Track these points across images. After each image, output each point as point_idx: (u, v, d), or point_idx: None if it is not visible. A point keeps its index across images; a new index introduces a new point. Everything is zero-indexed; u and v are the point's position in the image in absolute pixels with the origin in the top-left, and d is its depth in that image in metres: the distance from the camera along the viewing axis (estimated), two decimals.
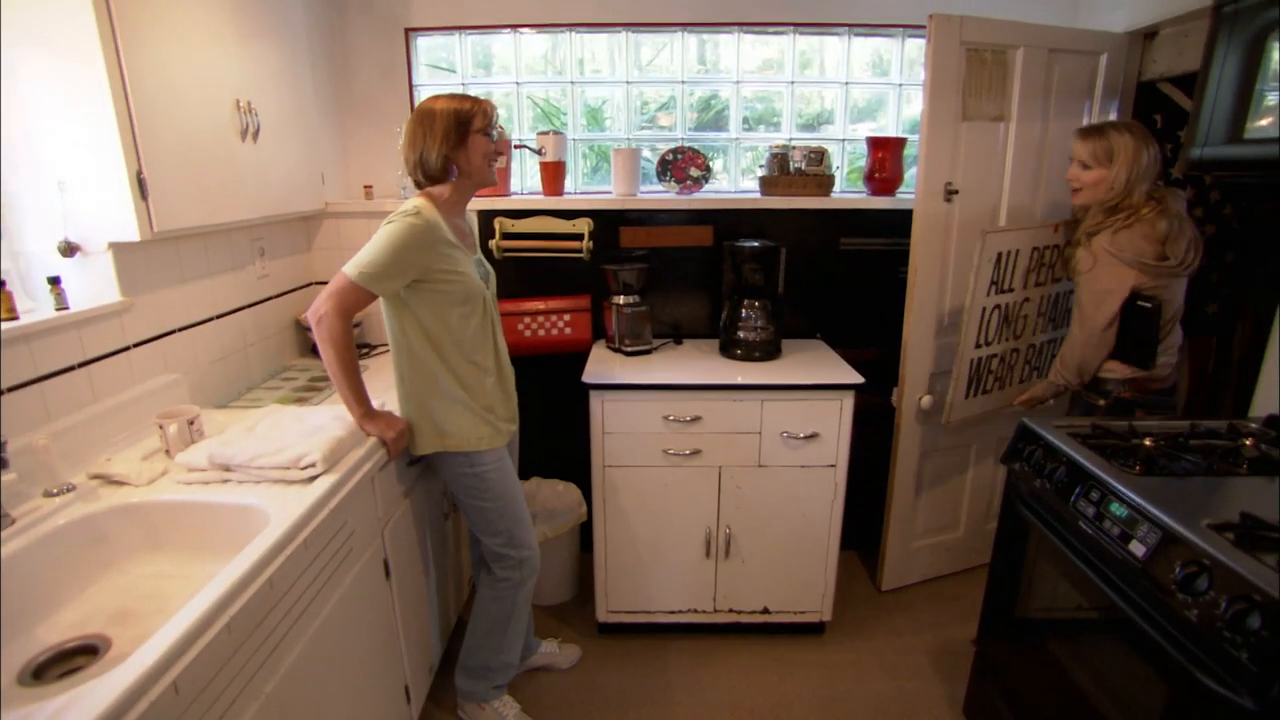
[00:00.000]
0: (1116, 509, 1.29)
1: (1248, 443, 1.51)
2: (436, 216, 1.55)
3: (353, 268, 1.48)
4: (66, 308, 1.46)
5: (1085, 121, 2.22)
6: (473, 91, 2.56)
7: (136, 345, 1.62)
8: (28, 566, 1.17)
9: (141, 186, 1.44)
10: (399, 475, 1.71)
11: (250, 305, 2.07)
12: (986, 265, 1.95)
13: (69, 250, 1.48)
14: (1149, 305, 1.74)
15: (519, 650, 1.88)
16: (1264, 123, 1.27)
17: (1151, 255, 1.73)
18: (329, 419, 1.54)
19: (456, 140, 1.54)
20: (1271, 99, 1.26)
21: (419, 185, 1.60)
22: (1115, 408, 1.85)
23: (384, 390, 1.85)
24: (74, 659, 1.11)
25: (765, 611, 2.21)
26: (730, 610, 2.21)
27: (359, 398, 1.55)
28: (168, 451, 1.48)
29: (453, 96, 1.57)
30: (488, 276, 1.72)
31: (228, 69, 1.72)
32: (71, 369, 1.45)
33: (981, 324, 2.03)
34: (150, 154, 1.45)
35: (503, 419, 1.74)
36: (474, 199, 2.35)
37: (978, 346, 2.06)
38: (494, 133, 1.60)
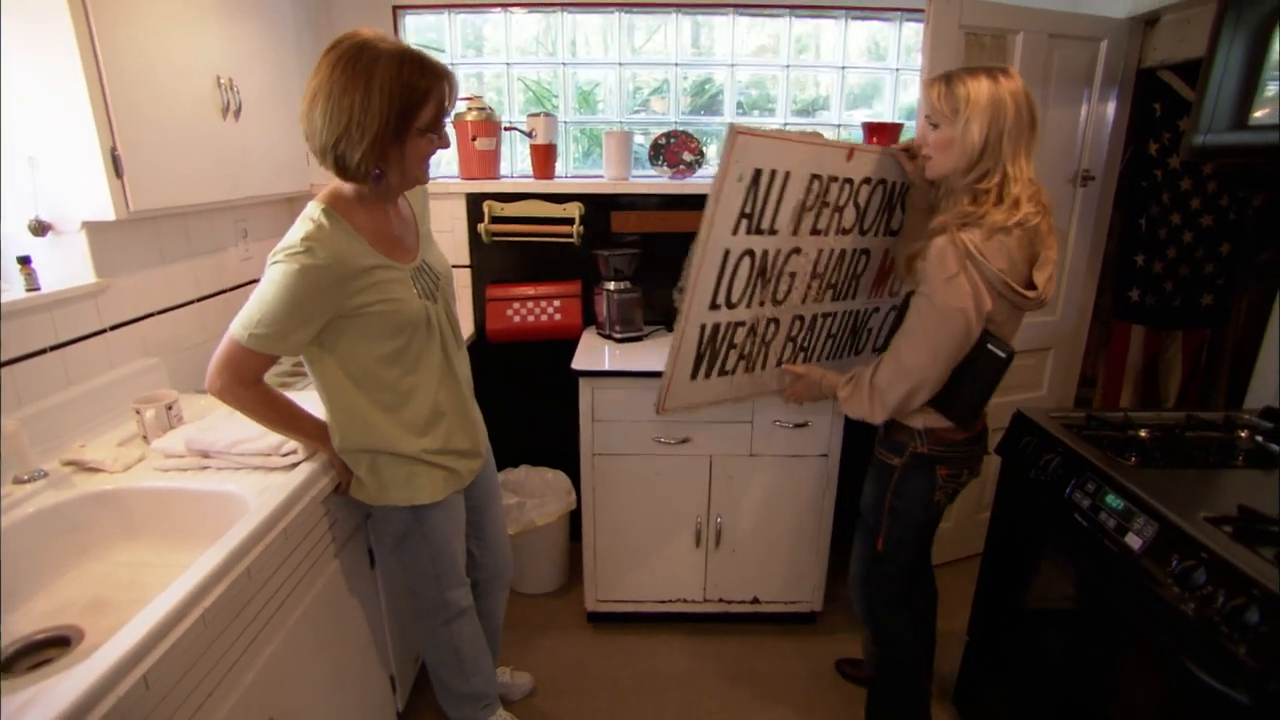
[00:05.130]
0: (1112, 501, 1.28)
1: (1243, 435, 1.50)
2: (343, 235, 1.19)
3: (241, 328, 1.17)
4: (38, 289, 1.41)
5: (1084, 111, 2.19)
6: (462, 72, 2.50)
7: (113, 328, 1.58)
8: None
9: (116, 164, 1.39)
10: None
11: (234, 288, 2.02)
12: (737, 186, 1.33)
13: (40, 229, 1.43)
14: (1003, 354, 1.33)
15: (488, 669, 1.64)
16: (1268, 110, 1.25)
17: (1019, 279, 1.32)
18: (313, 405, 1.50)
19: (392, 137, 1.15)
20: (1271, 89, 1.24)
21: (333, 171, 1.20)
22: (912, 465, 1.48)
23: None
24: (45, 650, 1.07)
25: (755, 601, 2.20)
26: (720, 600, 2.20)
27: (314, 436, 1.34)
28: (145, 437, 1.44)
29: (400, 60, 1.12)
30: (437, 285, 1.36)
31: (208, 45, 1.66)
32: (43, 352, 1.40)
33: (722, 274, 1.42)
34: (125, 130, 1.39)
35: (463, 456, 1.45)
36: (462, 182, 2.33)
37: (714, 306, 1.46)
38: (444, 127, 1.23)
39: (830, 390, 1.56)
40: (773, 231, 1.45)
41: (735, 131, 1.27)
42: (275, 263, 1.15)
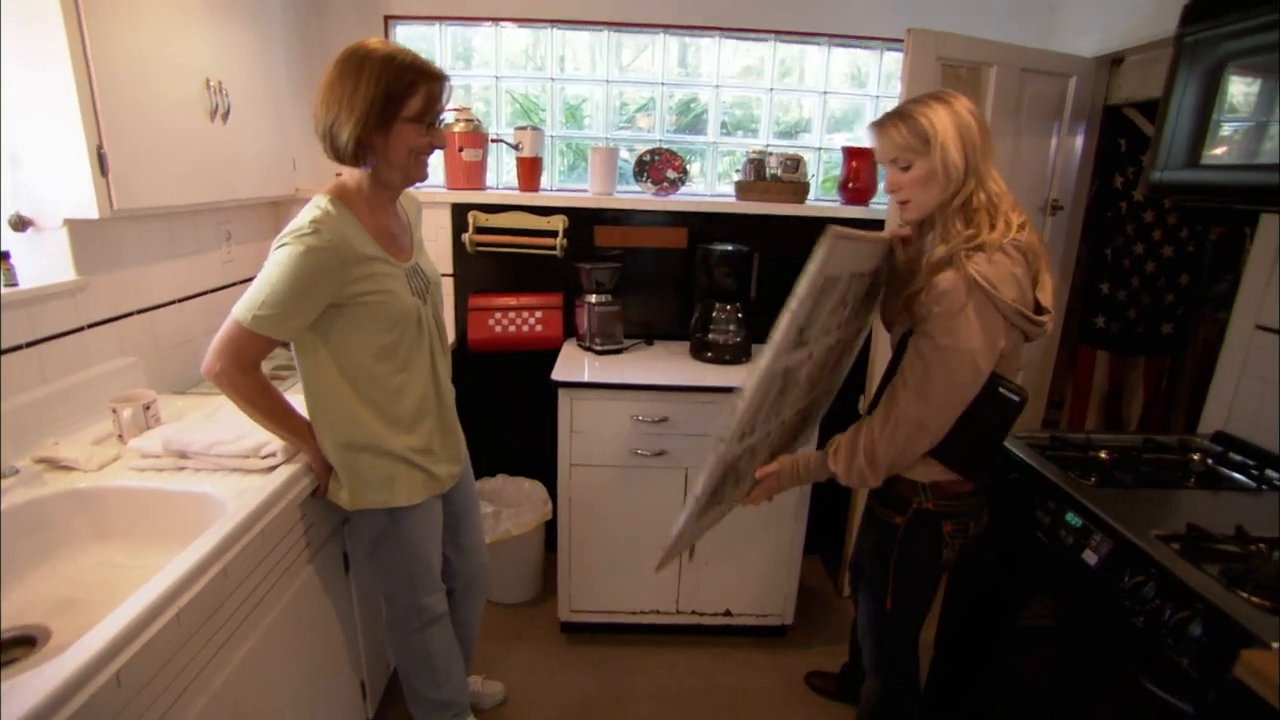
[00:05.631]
0: (1071, 519, 1.33)
1: (1195, 457, 1.56)
2: (347, 223, 1.24)
3: (244, 310, 1.21)
4: (16, 284, 1.40)
5: (1054, 143, 2.27)
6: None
7: (91, 326, 1.57)
8: None
9: (102, 162, 1.39)
10: None
11: (215, 290, 2.02)
12: (808, 297, 1.11)
13: (20, 224, 1.43)
14: (1016, 398, 1.22)
15: (459, 677, 1.65)
16: (1219, 151, 1.32)
17: (1027, 304, 1.21)
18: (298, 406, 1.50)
19: (378, 123, 1.20)
20: (1226, 129, 1.31)
21: (329, 155, 1.26)
22: (916, 522, 1.36)
23: None
24: (10, 650, 1.06)
25: (727, 614, 2.22)
26: (693, 612, 2.22)
27: (300, 433, 1.35)
28: (121, 437, 1.44)
29: (392, 57, 1.20)
30: (427, 287, 1.41)
31: (198, 46, 1.67)
32: (19, 348, 1.39)
33: (761, 403, 1.23)
34: (112, 129, 1.40)
35: (443, 460, 1.47)
36: (448, 192, 2.35)
37: (741, 439, 1.25)
38: (434, 120, 1.27)
39: (810, 474, 1.42)
40: (806, 341, 1.24)
41: (835, 236, 1.04)
42: (282, 245, 1.20)
